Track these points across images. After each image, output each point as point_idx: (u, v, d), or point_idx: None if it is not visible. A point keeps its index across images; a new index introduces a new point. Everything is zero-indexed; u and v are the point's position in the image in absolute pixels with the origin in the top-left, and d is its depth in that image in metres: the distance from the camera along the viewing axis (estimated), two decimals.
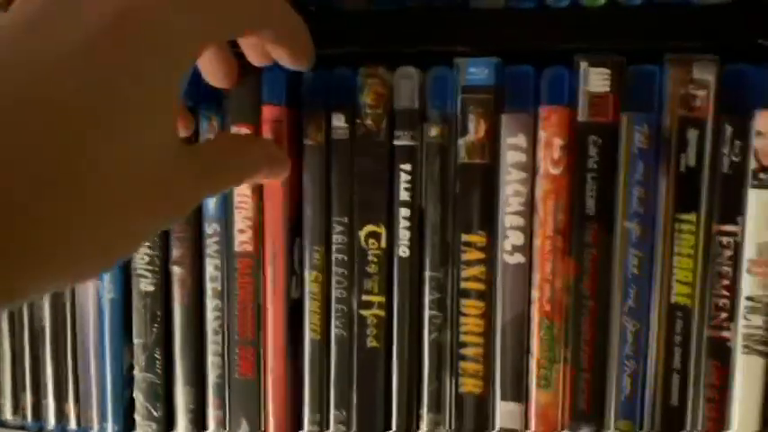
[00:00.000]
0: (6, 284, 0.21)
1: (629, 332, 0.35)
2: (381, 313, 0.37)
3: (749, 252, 0.34)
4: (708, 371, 0.35)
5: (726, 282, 0.34)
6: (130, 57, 0.23)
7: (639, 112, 0.34)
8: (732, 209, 0.34)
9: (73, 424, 0.45)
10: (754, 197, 0.33)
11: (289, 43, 0.32)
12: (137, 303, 0.42)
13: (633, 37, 0.34)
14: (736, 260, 0.34)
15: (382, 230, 0.36)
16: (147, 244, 0.41)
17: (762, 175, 0.33)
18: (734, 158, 0.33)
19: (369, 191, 0.36)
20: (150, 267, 0.41)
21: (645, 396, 0.35)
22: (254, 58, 0.35)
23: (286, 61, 0.33)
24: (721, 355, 0.34)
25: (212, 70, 0.35)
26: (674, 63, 0.33)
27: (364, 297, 0.37)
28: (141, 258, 0.41)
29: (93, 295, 0.43)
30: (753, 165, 0.33)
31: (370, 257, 0.37)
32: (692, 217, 0.34)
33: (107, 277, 0.42)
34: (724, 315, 0.34)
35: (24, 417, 0.46)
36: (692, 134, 0.33)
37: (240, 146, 0.34)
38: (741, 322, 0.34)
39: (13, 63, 0.22)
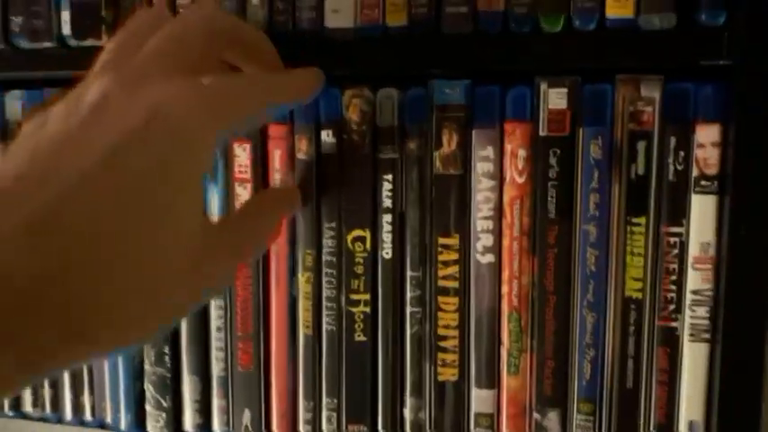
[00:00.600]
0: (53, 356, 0.24)
1: (588, 323, 0.39)
2: (367, 310, 0.41)
3: (693, 250, 0.38)
4: (658, 357, 0.39)
5: (673, 277, 0.38)
6: (156, 160, 0.25)
7: (594, 126, 0.38)
8: (678, 212, 0.38)
9: (88, 415, 0.49)
10: (696, 202, 0.37)
11: (295, 98, 0.35)
12: None
13: (588, 58, 0.38)
14: (681, 258, 0.38)
15: (367, 234, 0.40)
16: None
17: (703, 182, 0.37)
18: (678, 167, 0.37)
19: (355, 199, 0.40)
20: None
21: (603, 380, 0.39)
22: None
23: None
24: (670, 342, 0.38)
25: None
26: (624, 82, 0.37)
27: (352, 295, 0.41)
28: None
29: None
30: (695, 172, 0.37)
31: (356, 259, 0.41)
32: (642, 220, 0.38)
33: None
34: (672, 307, 0.38)
35: (43, 409, 0.50)
36: (641, 145, 0.37)
37: (262, 212, 0.37)
38: (687, 313, 0.38)
39: (55, 171, 0.24)
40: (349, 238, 0.41)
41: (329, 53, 0.40)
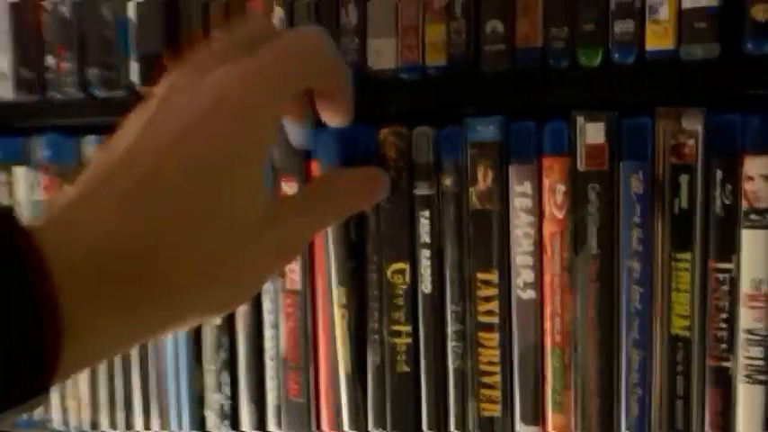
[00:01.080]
0: (153, 318, 0.27)
1: (633, 361, 0.38)
2: (409, 341, 0.42)
3: (745, 287, 0.36)
4: (710, 398, 0.37)
5: (723, 315, 0.36)
6: (222, 136, 0.28)
7: (633, 161, 0.37)
8: (726, 247, 0.36)
9: None
10: (746, 237, 0.36)
11: (335, 91, 0.35)
12: (205, 334, 0.48)
13: (628, 92, 0.37)
14: (732, 295, 0.36)
15: (407, 267, 0.41)
16: None
17: (753, 216, 0.35)
18: (726, 201, 0.36)
19: (394, 233, 0.41)
20: None
21: (651, 420, 0.38)
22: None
23: (329, 115, 0.36)
24: (723, 383, 0.37)
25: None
26: (664, 115, 0.36)
27: (394, 327, 0.42)
28: None
29: None
30: (744, 206, 0.36)
31: (397, 291, 0.41)
32: (687, 255, 0.37)
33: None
34: (723, 346, 0.37)
35: (115, 429, 0.54)
36: (684, 179, 0.36)
37: (332, 188, 0.36)
38: (741, 353, 0.36)
39: (143, 151, 0.27)
40: (389, 271, 0.41)
41: (371, 92, 0.41)
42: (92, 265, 0.24)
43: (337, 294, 0.42)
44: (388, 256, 0.41)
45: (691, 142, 0.36)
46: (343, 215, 0.37)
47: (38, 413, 0.56)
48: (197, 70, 0.29)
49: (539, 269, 0.39)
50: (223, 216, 0.28)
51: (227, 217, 0.28)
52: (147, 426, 0.53)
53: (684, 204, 0.36)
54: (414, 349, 0.42)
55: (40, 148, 0.52)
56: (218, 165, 0.28)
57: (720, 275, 0.36)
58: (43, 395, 0.23)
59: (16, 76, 0.51)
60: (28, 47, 0.51)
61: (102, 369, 0.53)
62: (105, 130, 0.50)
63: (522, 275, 0.39)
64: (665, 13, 0.36)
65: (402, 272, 0.41)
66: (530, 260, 0.39)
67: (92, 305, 0.24)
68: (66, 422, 0.56)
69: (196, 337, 0.49)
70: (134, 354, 0.52)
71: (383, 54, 0.41)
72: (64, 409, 0.55)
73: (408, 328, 0.41)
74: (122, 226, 0.25)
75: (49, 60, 0.50)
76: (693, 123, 0.36)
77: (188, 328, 0.47)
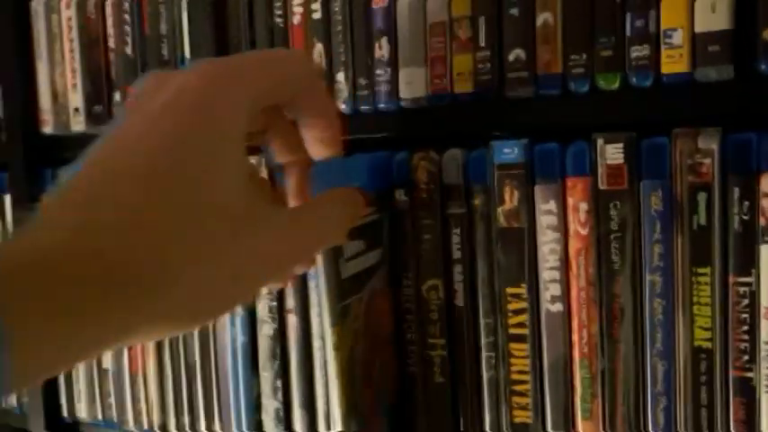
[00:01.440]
0: (111, 326, 0.24)
1: (658, 371, 0.40)
2: (444, 353, 0.44)
3: (765, 301, 0.37)
4: (735, 407, 0.38)
5: (745, 327, 0.38)
6: (184, 125, 0.27)
7: (652, 180, 0.38)
8: (746, 262, 0.37)
9: None
10: (765, 253, 0.37)
11: (321, 121, 0.33)
12: (261, 344, 0.52)
13: (645, 114, 0.39)
14: (752, 308, 0.37)
15: (440, 283, 0.44)
16: (268, 296, 0.51)
17: None
18: (744, 217, 0.37)
19: (427, 251, 0.44)
20: (271, 315, 0.51)
21: (677, 428, 0.39)
22: (282, 154, 0.36)
23: (317, 143, 0.34)
24: (746, 393, 0.38)
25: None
26: (681, 135, 0.38)
27: (429, 340, 0.45)
28: (263, 308, 0.52)
29: (229, 338, 0.54)
30: (762, 223, 0.37)
31: (431, 306, 0.44)
32: (707, 270, 0.38)
33: (238, 323, 0.53)
34: (746, 357, 0.38)
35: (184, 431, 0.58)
36: (702, 197, 0.38)
37: (319, 220, 0.34)
38: (763, 364, 0.37)
39: (103, 162, 0.26)
40: (424, 287, 0.44)
41: (403, 120, 0.44)
42: (43, 272, 0.23)
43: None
44: (423, 273, 0.44)
45: (707, 161, 0.37)
46: (329, 232, 0.33)
47: (116, 415, 0.62)
48: (166, 74, 0.29)
49: (565, 283, 0.41)
50: (199, 217, 0.26)
51: (203, 218, 0.26)
52: (209, 428, 0.57)
53: (703, 221, 0.38)
54: (449, 361, 0.44)
55: None
56: (180, 161, 0.26)
57: (741, 289, 0.37)
58: None
59: (88, 111, 0.57)
60: (98, 84, 0.56)
61: (168, 375, 0.58)
62: None
63: (550, 290, 0.41)
64: (678, 38, 0.37)
65: (436, 288, 0.44)
66: (556, 275, 0.41)
67: (40, 308, 0.22)
68: (139, 423, 0.61)
69: (253, 347, 0.53)
70: (196, 361, 0.56)
71: (414, 84, 0.44)
72: (136, 412, 0.61)
73: (443, 342, 0.44)
74: (76, 229, 0.24)
75: (117, 96, 0.55)
76: (710, 143, 0.37)
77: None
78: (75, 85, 0.57)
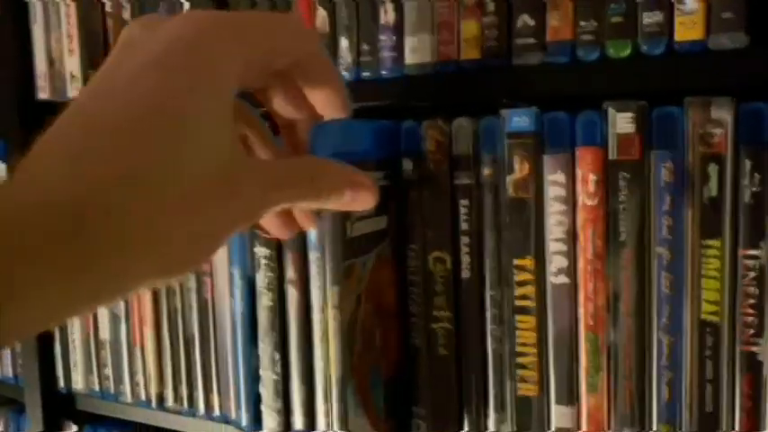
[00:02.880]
0: (101, 280, 0.24)
1: (664, 345, 0.39)
2: (449, 326, 0.44)
3: None
4: (741, 382, 0.38)
5: (752, 301, 0.37)
6: (175, 80, 0.26)
7: (664, 150, 0.38)
8: (756, 235, 0.37)
9: (217, 411, 0.56)
10: None
11: (322, 83, 0.33)
12: (260, 316, 0.52)
13: (657, 83, 0.38)
14: (761, 281, 0.37)
15: (447, 256, 0.43)
16: (267, 267, 0.51)
17: None
18: (755, 189, 0.37)
19: (435, 223, 0.43)
20: (270, 287, 0.51)
21: (683, 403, 0.39)
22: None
23: (325, 106, 0.34)
24: (753, 367, 0.38)
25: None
26: (693, 105, 0.37)
27: (435, 312, 0.44)
28: (263, 279, 0.51)
29: (229, 309, 0.53)
30: None
31: (437, 279, 0.44)
32: (716, 243, 0.37)
33: (238, 294, 0.52)
34: (752, 331, 0.37)
35: (182, 404, 0.58)
36: (713, 168, 0.37)
37: (316, 168, 0.34)
38: None
39: (88, 109, 0.26)
40: (430, 258, 0.44)
41: (409, 87, 0.43)
42: (30, 218, 0.23)
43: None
44: (430, 245, 0.43)
45: (720, 132, 0.37)
46: (317, 204, 0.33)
47: (113, 387, 0.61)
48: (156, 19, 0.29)
49: (572, 256, 0.41)
50: (179, 167, 0.26)
51: (182, 170, 0.26)
52: (207, 400, 0.57)
53: (714, 193, 0.37)
54: (454, 334, 0.44)
55: None
56: (170, 109, 0.26)
57: (749, 262, 0.37)
58: None
59: (85, 77, 0.56)
60: (95, 49, 0.55)
61: (166, 347, 0.57)
62: None
63: (556, 262, 0.41)
64: (692, 4, 0.36)
65: (442, 260, 0.43)
66: (563, 247, 0.41)
67: (29, 262, 0.22)
68: (136, 395, 0.60)
69: (252, 318, 0.52)
70: (195, 332, 0.56)
71: (420, 51, 0.43)
72: (134, 383, 0.60)
73: (449, 314, 0.44)
74: (68, 177, 0.24)
75: None
76: (722, 113, 0.36)
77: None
78: (71, 51, 0.56)
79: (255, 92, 0.33)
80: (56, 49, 0.57)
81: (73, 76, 0.56)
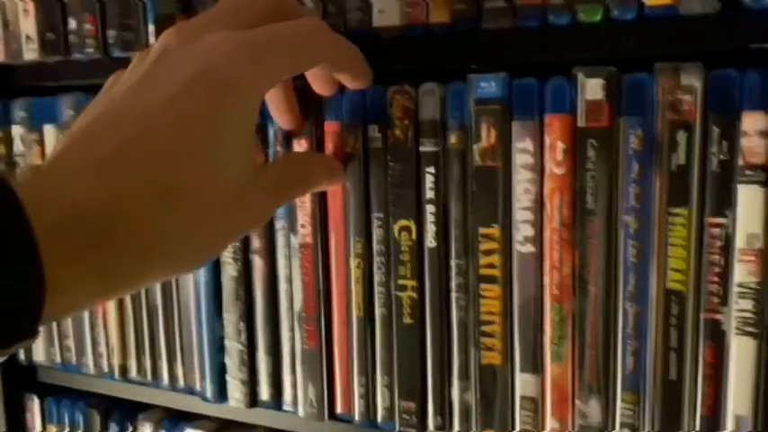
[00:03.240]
0: (125, 279, 0.28)
1: (630, 315, 0.39)
2: (414, 295, 0.43)
3: (739, 242, 0.36)
4: (704, 350, 0.38)
5: (717, 269, 0.37)
6: (207, 105, 0.29)
7: (633, 117, 0.37)
8: (722, 203, 0.37)
9: (181, 382, 0.55)
10: (742, 192, 0.36)
11: (348, 69, 0.38)
12: (225, 286, 0.51)
13: (628, 48, 0.38)
14: (727, 250, 0.37)
15: (412, 225, 0.42)
16: None
17: (749, 172, 0.36)
18: (722, 157, 0.36)
19: (400, 191, 0.42)
20: (235, 256, 0.50)
21: (647, 371, 0.39)
22: (319, 88, 0.41)
23: (350, 84, 0.40)
24: (716, 336, 0.38)
25: (279, 113, 0.42)
26: (663, 71, 0.37)
27: (400, 281, 0.43)
28: (227, 250, 0.50)
29: (192, 279, 0.52)
30: (740, 162, 0.36)
31: (403, 248, 0.43)
32: (683, 211, 0.37)
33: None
34: (717, 300, 0.37)
35: (145, 375, 0.57)
36: (682, 136, 0.37)
37: (304, 163, 0.41)
38: (733, 306, 0.37)
39: (120, 117, 0.28)
40: (396, 228, 0.43)
41: (376, 51, 0.42)
42: (70, 227, 0.25)
43: (354, 244, 0.43)
44: (396, 214, 0.43)
45: (689, 98, 0.36)
46: (300, 195, 0.42)
47: (75, 358, 0.60)
48: (191, 33, 0.30)
49: (539, 225, 0.40)
50: (204, 186, 0.29)
51: (208, 187, 0.29)
52: (171, 371, 0.56)
53: (682, 161, 0.37)
54: (419, 303, 0.43)
55: (66, 107, 0.54)
56: (200, 133, 0.28)
57: (716, 230, 0.37)
58: (28, 339, 0.25)
59: (41, 39, 0.53)
60: (51, 11, 0.53)
61: (129, 318, 0.56)
62: None
63: (522, 230, 0.40)
64: None
65: (408, 229, 0.43)
66: (530, 216, 0.40)
67: (69, 264, 0.25)
68: (98, 366, 0.59)
69: (216, 289, 0.51)
70: (158, 304, 0.55)
71: (387, 13, 0.42)
72: (96, 355, 0.59)
73: (414, 283, 0.43)
74: (102, 190, 0.26)
75: (72, 24, 0.52)
76: (692, 79, 0.36)
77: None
78: (26, 11, 0.54)
79: None
80: (10, 9, 0.55)
81: (29, 38, 0.54)
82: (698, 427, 0.38)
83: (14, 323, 0.24)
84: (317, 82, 0.41)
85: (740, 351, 0.37)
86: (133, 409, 0.60)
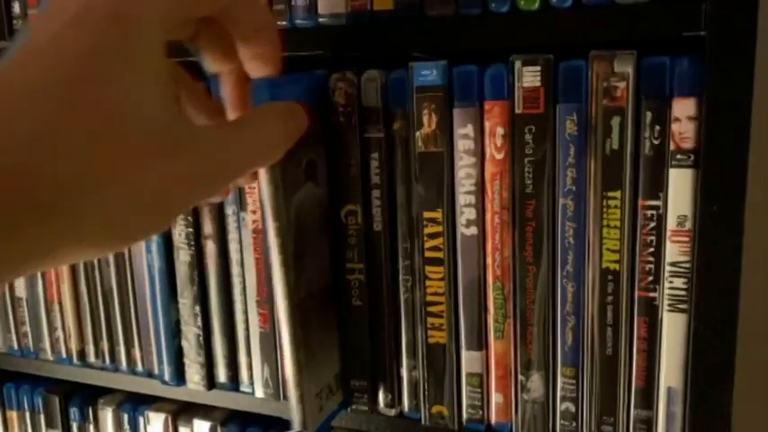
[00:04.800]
0: (25, 246, 0.23)
1: (568, 293, 0.41)
2: (362, 278, 0.44)
3: (671, 223, 0.38)
4: (638, 326, 0.40)
5: (651, 249, 0.39)
6: (96, 37, 0.25)
7: (569, 103, 0.38)
8: (655, 186, 0.38)
9: (140, 366, 0.56)
10: (673, 176, 0.38)
11: (256, 38, 0.32)
12: (178, 270, 0.51)
13: (565, 36, 0.38)
14: (659, 231, 0.38)
15: (358, 209, 0.43)
16: (183, 222, 0.50)
17: (679, 156, 0.37)
18: (654, 141, 0.38)
19: (346, 177, 0.43)
20: (187, 242, 0.50)
21: (584, 347, 0.41)
22: (216, 62, 0.34)
23: (255, 64, 0.33)
24: (649, 312, 0.39)
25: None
26: (598, 58, 0.38)
27: (348, 264, 0.44)
28: (179, 234, 0.50)
29: (145, 264, 0.52)
30: (671, 147, 0.37)
31: (350, 231, 0.44)
32: (617, 194, 0.39)
33: (154, 249, 0.51)
34: (650, 278, 0.39)
35: (104, 360, 0.57)
36: (615, 121, 0.38)
37: (256, 134, 0.32)
38: (665, 285, 0.39)
39: (20, 60, 0.25)
40: (342, 212, 0.44)
41: (320, 38, 0.43)
42: None
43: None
44: (342, 198, 0.43)
45: (622, 85, 0.37)
46: (264, 152, 0.32)
47: (33, 344, 0.60)
48: None
49: (480, 208, 0.41)
50: (108, 129, 0.25)
51: (114, 131, 0.25)
52: (128, 354, 0.56)
53: (616, 145, 0.38)
54: (367, 285, 0.44)
55: None
56: (92, 67, 0.25)
57: (649, 212, 0.38)
58: None
59: None
60: None
61: (85, 303, 0.56)
62: None
63: (465, 213, 0.41)
64: None
65: (354, 213, 0.43)
66: (472, 199, 0.41)
67: None
68: (56, 351, 0.59)
69: (170, 273, 0.52)
70: (113, 287, 0.55)
71: (333, 0, 0.42)
72: (53, 340, 0.59)
73: (361, 266, 0.44)
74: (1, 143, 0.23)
75: (16, 8, 0.51)
76: (625, 66, 0.37)
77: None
78: None
79: (188, 41, 0.32)
80: None
81: None
82: (633, 398, 0.40)
83: None
84: (229, 80, 0.36)
85: (671, 326, 0.39)
86: (93, 394, 0.61)
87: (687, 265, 0.38)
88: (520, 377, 0.42)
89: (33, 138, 0.23)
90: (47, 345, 0.60)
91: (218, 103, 0.36)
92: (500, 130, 0.40)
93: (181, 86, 0.34)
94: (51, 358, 0.60)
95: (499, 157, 0.40)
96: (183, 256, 0.51)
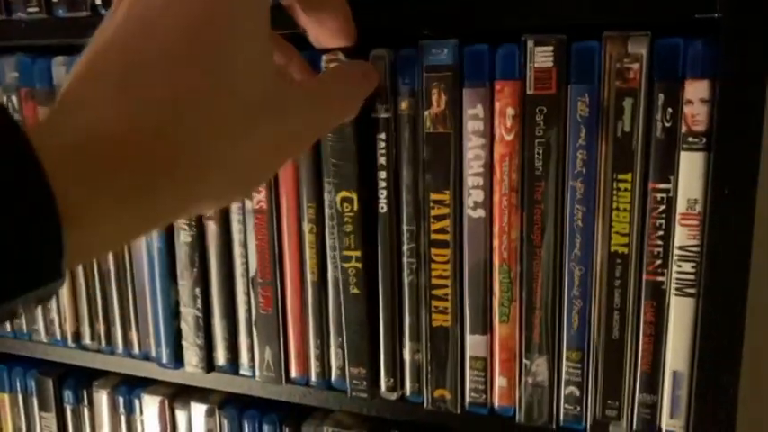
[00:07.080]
0: (147, 206, 0.25)
1: (575, 276, 0.40)
2: (359, 265, 0.44)
3: (680, 207, 0.38)
4: (645, 310, 0.39)
5: (660, 233, 0.38)
6: (204, 5, 0.26)
7: (581, 84, 0.38)
8: (665, 169, 0.38)
9: (136, 348, 0.55)
10: (684, 159, 0.37)
11: (335, 12, 0.35)
12: (179, 251, 0.50)
13: (578, 15, 0.38)
14: (668, 214, 0.38)
15: (354, 196, 0.43)
16: None
17: (690, 139, 0.37)
18: (666, 124, 0.37)
19: (350, 158, 0.42)
20: (188, 222, 0.49)
21: (591, 330, 0.41)
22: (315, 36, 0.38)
23: (332, 32, 0.36)
24: (656, 296, 0.39)
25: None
26: (611, 39, 0.37)
27: (345, 252, 0.44)
28: None
29: (144, 245, 0.52)
30: (683, 129, 0.37)
31: (345, 218, 0.43)
32: (627, 176, 0.38)
33: (154, 231, 0.50)
34: (659, 262, 0.39)
35: (100, 342, 0.57)
36: (627, 103, 0.37)
37: (345, 74, 0.37)
38: (674, 268, 0.39)
39: (127, 32, 0.26)
40: (338, 198, 0.43)
41: None
42: (89, 152, 0.23)
43: (306, 210, 0.43)
44: (339, 184, 0.43)
45: (635, 66, 0.37)
46: (349, 107, 0.36)
47: (26, 325, 0.59)
48: None
49: (488, 190, 0.41)
50: (222, 92, 0.26)
51: (227, 93, 0.26)
52: (125, 337, 0.56)
53: (627, 128, 0.38)
54: (364, 273, 0.44)
55: (9, 68, 0.52)
56: (203, 36, 0.26)
57: (659, 195, 0.38)
58: (55, 281, 0.22)
59: None
60: None
61: (81, 284, 0.56)
62: (71, 50, 0.51)
63: (473, 196, 0.41)
64: None
65: (350, 200, 0.43)
66: (480, 181, 0.41)
67: (92, 192, 0.23)
68: (51, 333, 0.59)
69: (170, 255, 0.51)
70: (110, 268, 0.54)
71: None
72: (48, 321, 0.58)
73: (358, 254, 0.44)
74: (120, 109, 0.24)
75: None
76: (639, 47, 0.37)
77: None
78: None
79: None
80: None
81: None
82: (638, 382, 0.40)
83: (30, 257, 0.21)
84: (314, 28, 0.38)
85: (679, 310, 0.39)
86: (88, 376, 0.60)
87: (696, 249, 0.38)
88: (524, 361, 0.42)
89: (159, 105, 0.25)
90: (40, 326, 0.59)
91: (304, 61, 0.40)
92: (510, 111, 0.39)
93: (274, 44, 0.35)
94: (45, 340, 0.59)
95: (509, 138, 0.40)
96: (183, 237, 0.50)
